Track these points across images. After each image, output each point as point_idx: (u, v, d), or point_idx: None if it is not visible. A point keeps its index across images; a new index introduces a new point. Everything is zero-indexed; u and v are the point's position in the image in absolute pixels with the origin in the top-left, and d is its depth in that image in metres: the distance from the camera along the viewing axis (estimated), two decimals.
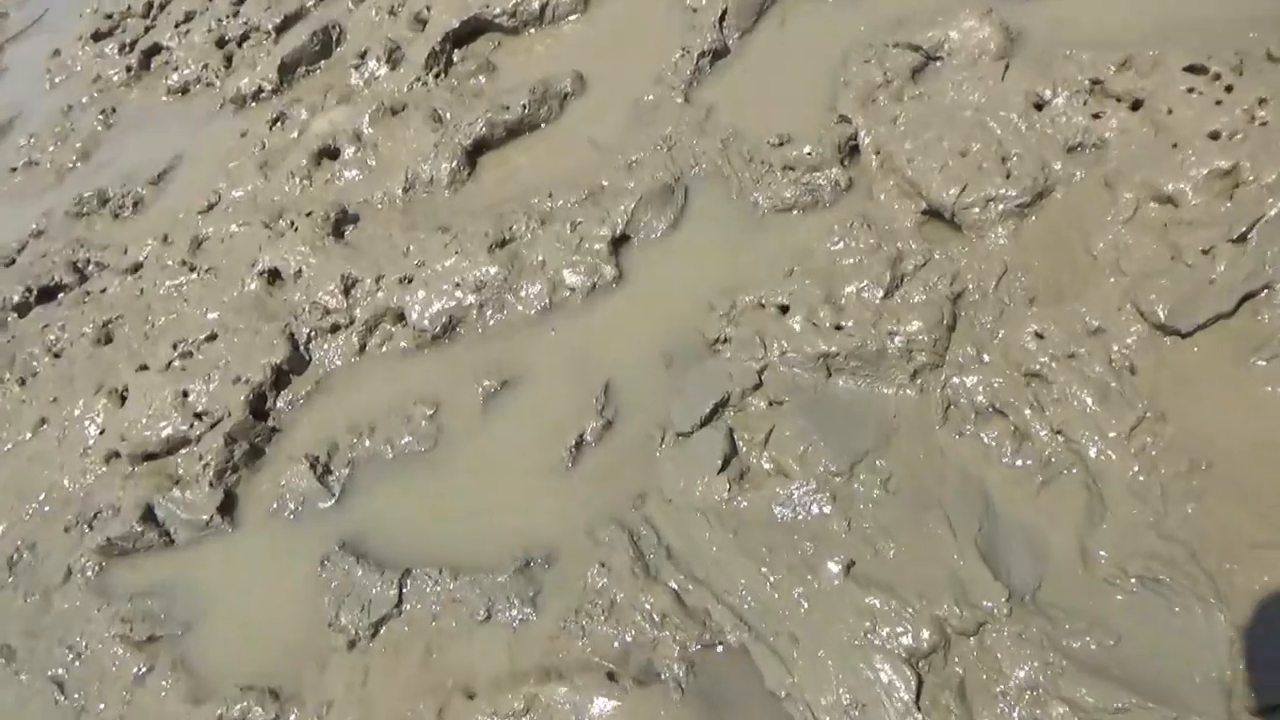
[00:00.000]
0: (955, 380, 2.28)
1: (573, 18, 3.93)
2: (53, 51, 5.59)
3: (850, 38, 3.17)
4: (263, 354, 3.04)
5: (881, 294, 2.46)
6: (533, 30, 3.97)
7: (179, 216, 3.89)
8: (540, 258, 2.98)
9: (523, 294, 2.94)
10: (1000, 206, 2.47)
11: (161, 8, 5.30)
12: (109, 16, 5.51)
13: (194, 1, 5.11)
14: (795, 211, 2.84)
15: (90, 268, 3.94)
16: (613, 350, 2.76)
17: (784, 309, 2.55)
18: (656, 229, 2.98)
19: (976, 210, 2.49)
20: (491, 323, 2.96)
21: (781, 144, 2.98)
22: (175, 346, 3.20)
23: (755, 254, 2.78)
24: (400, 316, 3.05)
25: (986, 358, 2.29)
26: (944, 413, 2.26)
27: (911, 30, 3.07)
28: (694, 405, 2.43)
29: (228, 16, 4.86)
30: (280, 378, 3.04)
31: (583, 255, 2.93)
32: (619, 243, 2.98)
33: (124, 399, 3.17)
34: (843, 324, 2.43)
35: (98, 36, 5.40)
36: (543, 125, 3.55)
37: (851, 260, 2.56)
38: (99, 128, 4.77)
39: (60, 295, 3.85)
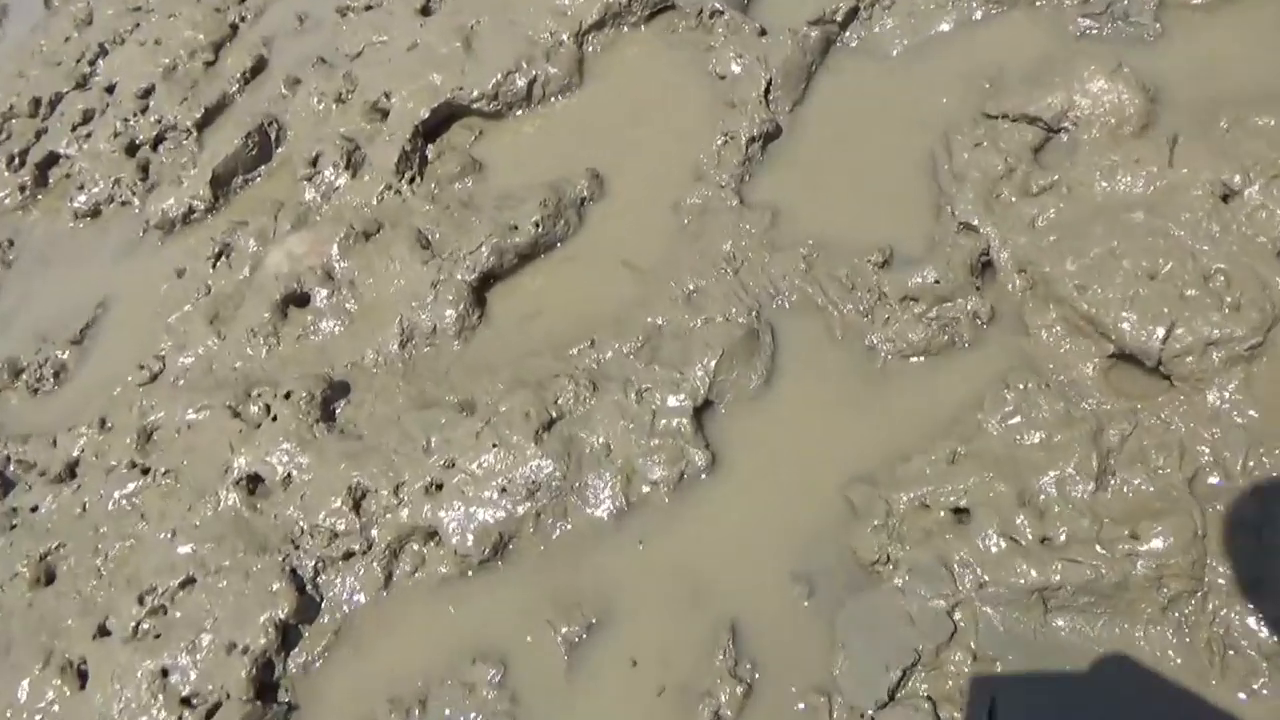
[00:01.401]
0: (1224, 614, 1.70)
1: (566, 95, 3.24)
2: None
3: (932, 108, 2.57)
4: (260, 605, 2.35)
5: (1092, 486, 1.86)
6: (519, 112, 3.29)
7: (114, 392, 3.14)
8: (602, 440, 2.34)
9: (590, 494, 2.30)
10: (1223, 351, 1.89)
11: (52, 105, 4.45)
12: None
13: (91, 98, 4.27)
14: (926, 357, 2.23)
15: (11, 469, 3.16)
16: (726, 571, 2.14)
17: (961, 513, 1.95)
18: (746, 388, 2.34)
19: (1192, 359, 1.90)
20: (556, 536, 2.31)
21: (885, 263, 2.37)
22: (142, 600, 2.48)
23: (889, 422, 2.17)
24: (433, 535, 2.38)
25: (1260, 577, 1.71)
26: (1220, 663, 1.68)
27: (1015, 95, 2.47)
28: (871, 670, 1.82)
29: (135, 115, 4.06)
30: (288, 633, 2.35)
31: (660, 435, 2.29)
32: (701, 411, 2.34)
33: (83, 677, 2.45)
34: (1052, 537, 1.84)
35: None
36: (560, 243, 2.88)
37: (1035, 435, 1.97)
38: None
39: None
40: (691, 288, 2.55)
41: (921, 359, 2.24)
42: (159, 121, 4.01)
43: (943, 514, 1.95)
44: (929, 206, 2.44)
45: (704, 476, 2.27)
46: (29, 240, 4.02)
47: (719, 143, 2.75)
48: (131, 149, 4.00)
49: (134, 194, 3.86)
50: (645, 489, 2.28)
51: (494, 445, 2.37)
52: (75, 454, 3.02)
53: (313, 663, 2.36)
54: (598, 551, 2.25)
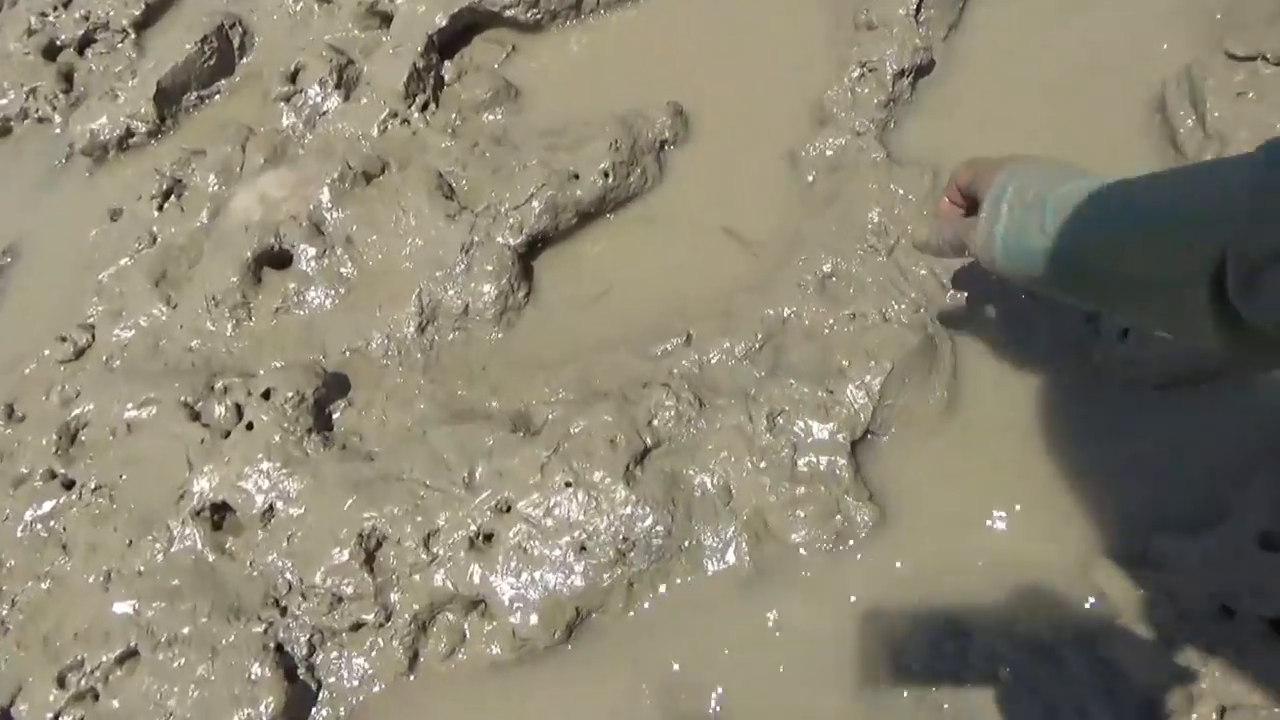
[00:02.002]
0: None
1: (631, 5, 2.51)
2: None
3: (1146, 44, 1.92)
4: (233, 699, 1.67)
5: None
6: (565, 24, 2.54)
7: (26, 370, 2.37)
8: (718, 482, 1.67)
9: (704, 558, 1.64)
10: None
11: None
12: None
13: None
14: (1174, 388, 1.60)
15: None
16: (893, 669, 1.50)
17: None
18: (919, 417, 1.69)
19: None
20: (653, 612, 1.65)
21: None
22: (63, 680, 1.77)
23: (1132, 472, 1.54)
24: (478, 604, 1.71)
25: None
26: None
27: (1268, 28, 1.82)
28: None
29: (55, 8, 3.20)
30: None
31: (806, 481, 1.64)
32: (857, 446, 1.69)
33: None
34: None
35: None
36: (633, 200, 2.17)
37: None
38: None
39: None
40: (827, 270, 1.88)
41: (1165, 390, 1.61)
42: (86, 18, 3.17)
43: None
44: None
45: (864, 536, 1.62)
46: None
47: (854, 75, 2.06)
48: (51, 51, 3.16)
49: (54, 109, 3.04)
50: (783, 553, 1.63)
51: (568, 484, 1.70)
52: None
53: None
54: (714, 636, 1.61)
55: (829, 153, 2.02)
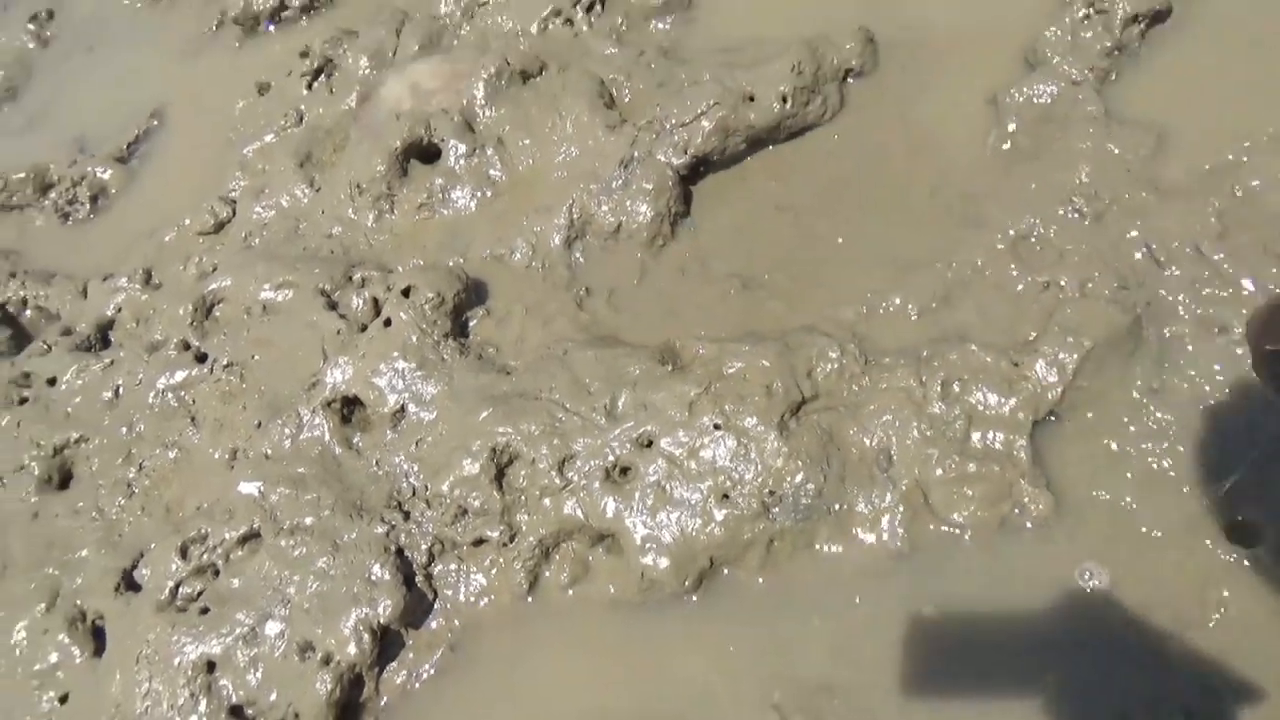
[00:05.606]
0: None
1: None
2: None
3: None
4: (352, 597, 1.63)
5: None
6: None
7: (165, 238, 2.36)
8: (878, 443, 1.55)
9: (856, 524, 1.52)
10: None
11: None
12: None
13: None
14: None
15: (27, 314, 2.43)
16: (1057, 680, 1.38)
17: None
18: (1112, 405, 1.53)
19: None
20: (791, 574, 1.55)
21: None
22: (185, 551, 1.76)
23: None
24: (607, 538, 1.63)
25: None
26: None
27: None
28: None
29: None
30: (385, 639, 1.64)
31: (977, 458, 1.50)
32: (1039, 427, 1.54)
33: (99, 639, 1.77)
34: None
35: None
36: (809, 130, 2.01)
37: None
38: (30, 43, 3.11)
39: None
40: (1023, 229, 1.70)
41: None
42: None
43: None
44: None
45: (1030, 526, 1.48)
46: (73, 14, 3.17)
47: (1078, 14, 1.83)
48: None
49: None
50: (943, 530, 1.50)
51: (717, 426, 1.59)
52: (109, 313, 2.29)
53: (413, 684, 1.65)
54: (855, 608, 1.49)
55: (1038, 100, 1.82)
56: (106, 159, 2.64)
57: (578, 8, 2.32)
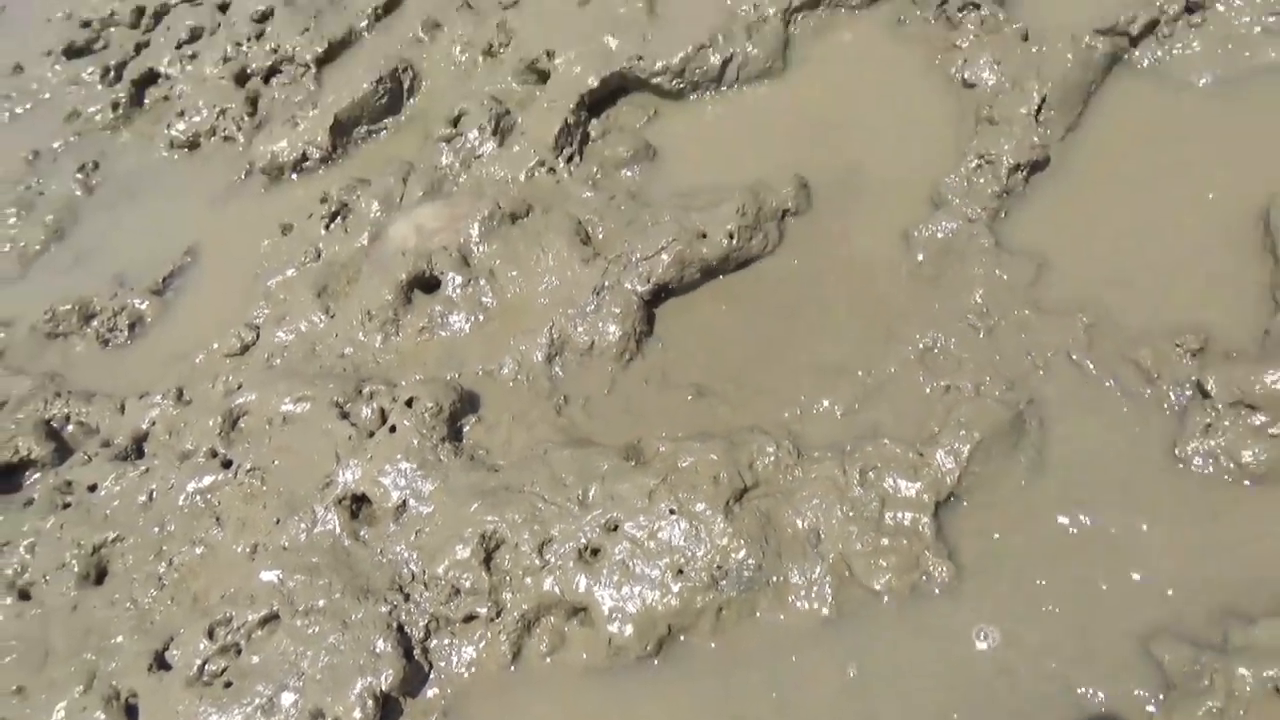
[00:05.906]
0: None
1: (765, 81, 2.72)
2: (13, 66, 4.27)
3: (1257, 157, 2.03)
4: (358, 668, 1.88)
5: None
6: (706, 95, 2.77)
7: (197, 360, 2.68)
8: (809, 525, 1.83)
9: (791, 594, 1.79)
10: None
11: (157, 17, 4.01)
12: (86, 24, 4.20)
13: (201, 14, 3.82)
14: (1263, 485, 1.69)
15: (69, 429, 2.73)
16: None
17: None
18: (1001, 488, 1.82)
19: None
20: (738, 639, 1.81)
21: (1201, 350, 1.82)
22: (212, 633, 2.02)
23: (1214, 563, 1.63)
24: (580, 611, 1.89)
25: None
26: None
27: None
28: None
29: (249, 40, 3.60)
30: (388, 708, 1.88)
31: (891, 534, 1.78)
32: (941, 507, 1.82)
33: (130, 716, 2.00)
34: None
35: (72, 52, 4.10)
36: (752, 261, 2.37)
37: None
38: (78, 191, 3.52)
39: (26, 477, 2.63)
40: (929, 341, 2.03)
41: (1255, 486, 1.70)
42: (275, 51, 3.55)
43: None
44: (1260, 287, 1.91)
45: (938, 593, 1.75)
46: (116, 166, 3.59)
47: (971, 165, 2.22)
48: (241, 78, 3.55)
49: (239, 129, 3.41)
50: (864, 598, 1.77)
51: (672, 512, 1.88)
52: (145, 427, 2.58)
53: None
54: (793, 668, 1.75)
55: (941, 235, 2.18)
56: (144, 291, 2.99)
57: (560, 159, 2.71)
